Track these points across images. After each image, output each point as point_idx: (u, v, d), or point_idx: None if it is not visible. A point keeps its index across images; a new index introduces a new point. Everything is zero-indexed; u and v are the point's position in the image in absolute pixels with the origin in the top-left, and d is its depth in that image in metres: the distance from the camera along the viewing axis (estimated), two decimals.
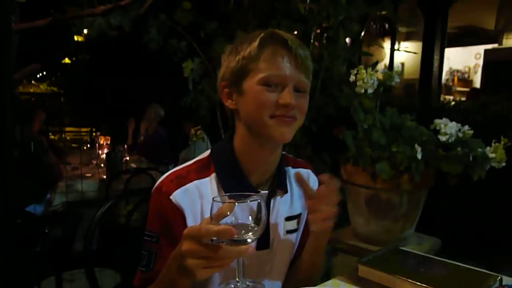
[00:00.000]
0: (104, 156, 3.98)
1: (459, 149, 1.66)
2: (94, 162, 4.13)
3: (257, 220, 0.73)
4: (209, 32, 2.27)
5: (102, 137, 4.34)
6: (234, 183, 0.98)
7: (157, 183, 1.00)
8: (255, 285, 0.77)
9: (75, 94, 9.72)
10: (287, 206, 1.08)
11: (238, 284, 0.75)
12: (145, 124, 4.99)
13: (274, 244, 1.06)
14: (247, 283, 0.76)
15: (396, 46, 7.41)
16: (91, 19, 2.15)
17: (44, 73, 13.79)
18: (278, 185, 1.05)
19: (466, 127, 1.70)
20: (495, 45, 7.41)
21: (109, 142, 4.30)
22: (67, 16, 2.16)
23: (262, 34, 0.95)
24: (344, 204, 2.00)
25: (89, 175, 3.75)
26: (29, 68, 2.26)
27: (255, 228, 0.73)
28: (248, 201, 0.73)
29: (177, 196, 0.96)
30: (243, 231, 0.72)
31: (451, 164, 1.66)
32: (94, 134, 7.45)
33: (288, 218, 1.09)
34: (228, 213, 0.71)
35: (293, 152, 2.27)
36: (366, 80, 1.62)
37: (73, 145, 7.91)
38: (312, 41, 2.07)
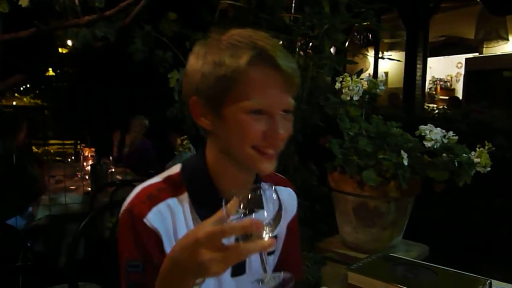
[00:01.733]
0: (89, 168, 3.92)
1: (444, 155, 1.68)
2: (79, 174, 4.06)
3: (271, 212, 0.69)
4: (194, 42, 2.26)
5: (86, 149, 4.28)
6: (209, 204, 0.86)
7: (126, 204, 0.90)
8: (284, 276, 0.74)
9: (59, 106, 9.61)
10: None
11: (268, 278, 0.73)
12: (130, 136, 4.95)
13: (252, 268, 0.98)
14: (276, 275, 0.74)
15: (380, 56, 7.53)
16: (75, 30, 2.14)
17: (28, 86, 13.65)
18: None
19: (451, 133, 1.72)
20: (476, 54, 7.59)
21: (93, 154, 4.25)
22: (51, 27, 2.14)
23: (250, 52, 0.81)
24: (332, 213, 2.01)
25: (74, 187, 3.68)
26: (13, 79, 2.23)
27: (270, 221, 0.69)
28: (260, 192, 0.69)
29: (151, 218, 0.87)
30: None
31: (437, 170, 1.68)
32: (78, 146, 7.36)
33: None
34: (242, 206, 0.68)
35: (279, 161, 2.27)
36: (351, 87, 1.63)
37: (57, 158, 7.79)
38: (297, 50, 2.09)
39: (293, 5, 2.07)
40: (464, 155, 1.66)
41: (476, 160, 1.62)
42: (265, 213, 0.69)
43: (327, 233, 2.21)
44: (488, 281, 0.98)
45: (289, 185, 1.11)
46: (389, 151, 1.71)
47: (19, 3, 2.10)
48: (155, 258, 0.86)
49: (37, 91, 13.62)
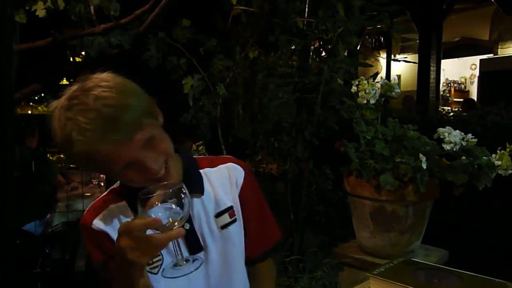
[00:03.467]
0: (104, 175, 3.96)
1: (463, 158, 1.65)
2: (94, 181, 4.10)
3: (180, 206, 0.82)
4: (208, 49, 2.28)
5: None
6: None
7: (80, 219, 1.06)
8: (194, 257, 0.90)
9: None
10: (211, 205, 1.09)
11: (178, 260, 0.87)
12: None
13: (208, 244, 1.07)
14: (186, 258, 0.88)
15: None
16: (91, 38, 2.16)
17: (42, 95, 13.82)
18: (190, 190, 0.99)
19: (470, 135, 1.69)
20: (491, 55, 7.49)
21: None
22: (67, 36, 2.17)
23: (70, 147, 0.87)
24: (347, 218, 1.99)
25: (89, 194, 3.72)
26: (30, 88, 2.26)
27: (181, 214, 0.82)
28: (170, 190, 0.82)
29: (97, 223, 1.02)
30: (171, 219, 0.81)
31: (456, 173, 1.65)
32: None
33: (218, 215, 1.10)
34: (156, 203, 0.80)
35: (295, 166, 2.25)
36: (368, 91, 1.62)
37: (71, 165, 7.85)
38: (311, 54, 2.08)
39: (306, 9, 2.07)
40: (484, 157, 1.63)
41: (497, 162, 1.59)
42: (174, 207, 0.82)
43: (342, 239, 2.19)
44: None
45: (230, 160, 1.18)
46: (406, 154, 1.69)
47: (36, 14, 2.13)
48: (113, 253, 0.97)
49: (52, 100, 13.77)
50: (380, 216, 1.77)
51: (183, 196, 0.83)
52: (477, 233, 2.98)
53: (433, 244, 1.97)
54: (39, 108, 14.51)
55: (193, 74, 2.26)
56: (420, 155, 1.63)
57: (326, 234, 2.36)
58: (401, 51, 8.46)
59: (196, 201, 1.07)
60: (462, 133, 1.70)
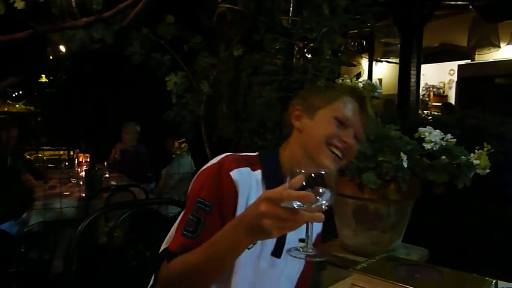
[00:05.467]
0: (83, 174, 3.88)
1: (443, 157, 1.68)
2: (73, 180, 4.02)
3: (330, 189, 0.79)
4: (192, 46, 2.26)
5: (81, 154, 4.23)
6: (276, 185, 1.02)
7: (218, 159, 1.08)
8: (318, 251, 0.84)
9: (52, 112, 9.54)
10: (302, 229, 1.12)
11: (307, 248, 0.82)
12: (119, 145, 4.92)
13: (287, 257, 1.09)
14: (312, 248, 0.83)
15: (374, 63, 7.58)
16: (72, 32, 2.12)
17: (20, 92, 13.51)
18: None
19: (449, 135, 1.72)
20: (468, 61, 7.65)
21: (88, 160, 4.20)
22: (48, 29, 2.12)
23: (350, 89, 1.20)
24: (329, 217, 1.99)
25: (67, 193, 3.64)
26: (7, 81, 2.20)
27: (328, 198, 0.79)
28: (323, 172, 0.80)
29: (236, 174, 1.04)
30: (319, 199, 0.78)
31: (436, 172, 1.68)
32: (72, 152, 7.28)
33: (301, 240, 1.12)
34: (304, 183, 0.78)
35: None
36: None
37: (50, 165, 7.69)
38: (295, 53, 2.09)
39: (291, 8, 2.07)
40: (463, 157, 1.67)
41: (476, 162, 1.63)
42: (321, 191, 0.79)
43: (323, 238, 2.19)
44: (494, 281, 0.97)
45: None
46: (388, 153, 1.71)
47: (15, 5, 2.07)
48: (225, 208, 1.01)
49: (30, 98, 13.48)
50: (363, 214, 1.79)
51: (333, 183, 0.80)
52: (453, 234, 3.03)
53: (412, 243, 1.99)
54: (17, 106, 14.18)
55: (177, 71, 2.24)
56: (401, 154, 1.65)
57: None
58: (383, 55, 8.57)
59: None
60: (442, 133, 1.73)
